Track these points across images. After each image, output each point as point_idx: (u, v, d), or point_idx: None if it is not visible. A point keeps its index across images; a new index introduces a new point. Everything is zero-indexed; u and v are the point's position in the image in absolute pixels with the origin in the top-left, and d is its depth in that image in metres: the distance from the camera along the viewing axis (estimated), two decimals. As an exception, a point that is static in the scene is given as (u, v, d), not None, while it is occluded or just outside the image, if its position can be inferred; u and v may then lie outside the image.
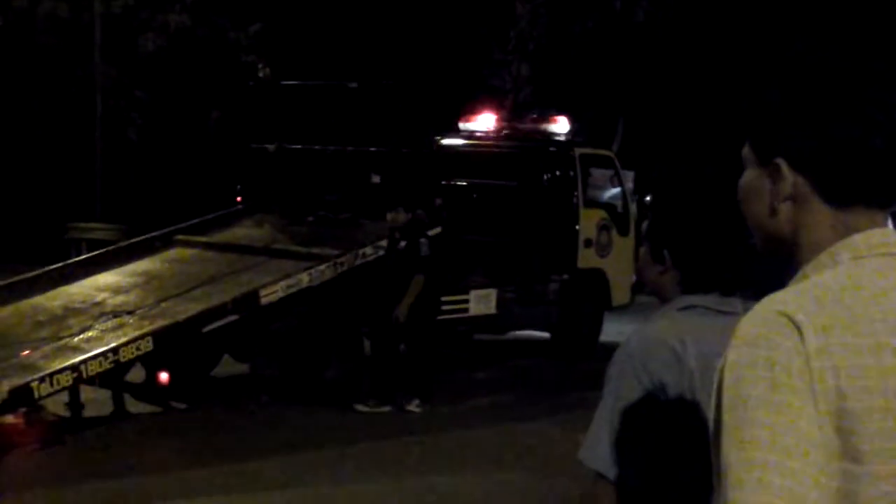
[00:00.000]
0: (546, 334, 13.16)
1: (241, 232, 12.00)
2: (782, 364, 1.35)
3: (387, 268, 9.85)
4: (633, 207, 13.88)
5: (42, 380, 7.94)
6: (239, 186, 12.97)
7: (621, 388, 2.31)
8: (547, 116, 13.98)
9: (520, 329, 13.10)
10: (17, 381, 7.88)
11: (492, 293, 11.94)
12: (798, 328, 1.36)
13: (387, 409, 9.63)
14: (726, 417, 1.38)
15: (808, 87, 1.50)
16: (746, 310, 1.47)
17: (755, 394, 1.36)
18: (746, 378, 1.37)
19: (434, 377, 10.17)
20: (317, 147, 12.49)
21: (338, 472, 7.87)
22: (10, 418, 8.07)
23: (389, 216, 9.78)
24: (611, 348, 2.53)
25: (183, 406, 9.53)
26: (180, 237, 11.70)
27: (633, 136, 21.06)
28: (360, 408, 9.58)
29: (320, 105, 12.82)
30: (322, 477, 7.72)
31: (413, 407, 9.75)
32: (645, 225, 2.57)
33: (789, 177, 1.50)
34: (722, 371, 1.42)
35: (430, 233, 11.44)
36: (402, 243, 9.65)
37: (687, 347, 2.29)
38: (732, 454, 1.36)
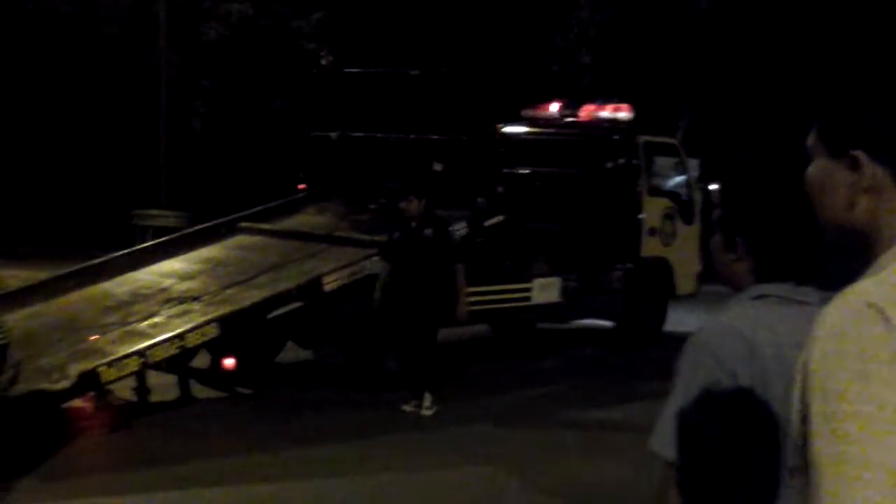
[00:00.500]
0: (609, 323, 13.09)
1: (304, 219, 12.08)
2: (873, 355, 1.33)
3: (409, 258, 9.19)
4: (697, 196, 13.73)
5: (109, 364, 8.06)
6: (302, 174, 13.05)
7: (693, 378, 2.27)
8: (610, 104, 13.87)
9: (583, 318, 13.04)
10: (86, 365, 8.01)
11: (555, 281, 11.88)
12: (887, 319, 1.34)
13: (433, 410, 9.18)
14: (815, 410, 1.35)
15: (889, 78, 1.48)
16: (823, 300, 1.45)
17: (846, 386, 1.33)
18: (836, 370, 1.34)
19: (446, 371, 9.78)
20: (379, 135, 12.52)
21: (397, 460, 7.88)
22: (78, 402, 8.18)
23: (402, 205, 9.41)
24: (677, 338, 2.51)
25: (248, 392, 9.62)
26: (244, 224, 11.80)
27: (699, 124, 20.87)
28: (406, 408, 9.20)
29: (382, 93, 12.84)
30: (383, 466, 7.74)
31: (411, 407, 9.21)
32: (716, 213, 2.53)
33: (869, 168, 1.48)
34: (807, 363, 1.39)
35: (492, 221, 11.46)
36: (429, 231, 9.25)
37: (761, 337, 2.25)
38: (823, 447, 1.33)
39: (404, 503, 7.05)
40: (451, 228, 9.62)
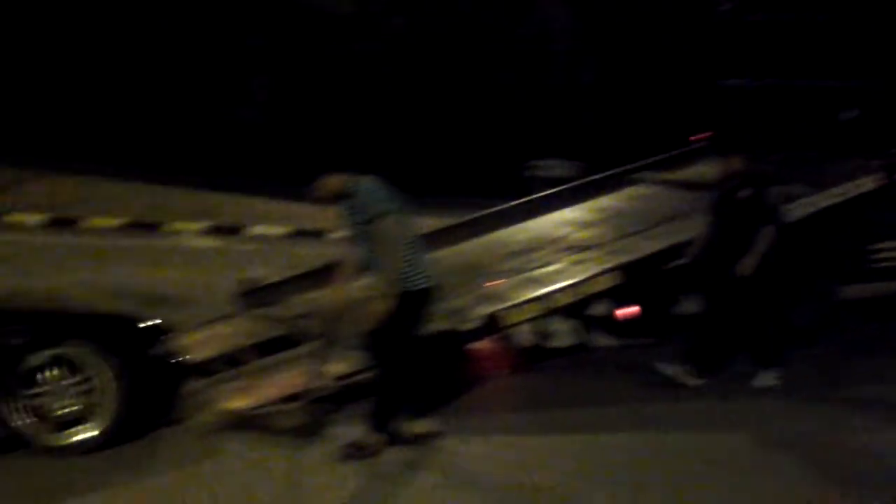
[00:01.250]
0: None
1: (705, 170, 11.70)
2: None
3: (726, 218, 8.41)
4: None
5: (512, 309, 8.19)
6: (706, 124, 12.67)
7: None
8: None
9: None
10: (489, 308, 8.17)
11: None
12: None
13: (698, 382, 8.35)
14: None
15: None
16: None
17: None
18: None
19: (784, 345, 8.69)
20: (785, 83, 11.93)
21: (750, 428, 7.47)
22: (482, 344, 8.39)
23: (724, 162, 8.52)
24: None
25: (648, 341, 9.50)
26: (641, 175, 11.61)
27: None
28: (664, 368, 8.47)
29: (788, 39, 12.24)
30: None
31: (767, 381, 8.38)
32: None
33: None
34: None
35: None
36: (746, 191, 8.33)
37: None
38: None
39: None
40: (768, 189, 8.57)
